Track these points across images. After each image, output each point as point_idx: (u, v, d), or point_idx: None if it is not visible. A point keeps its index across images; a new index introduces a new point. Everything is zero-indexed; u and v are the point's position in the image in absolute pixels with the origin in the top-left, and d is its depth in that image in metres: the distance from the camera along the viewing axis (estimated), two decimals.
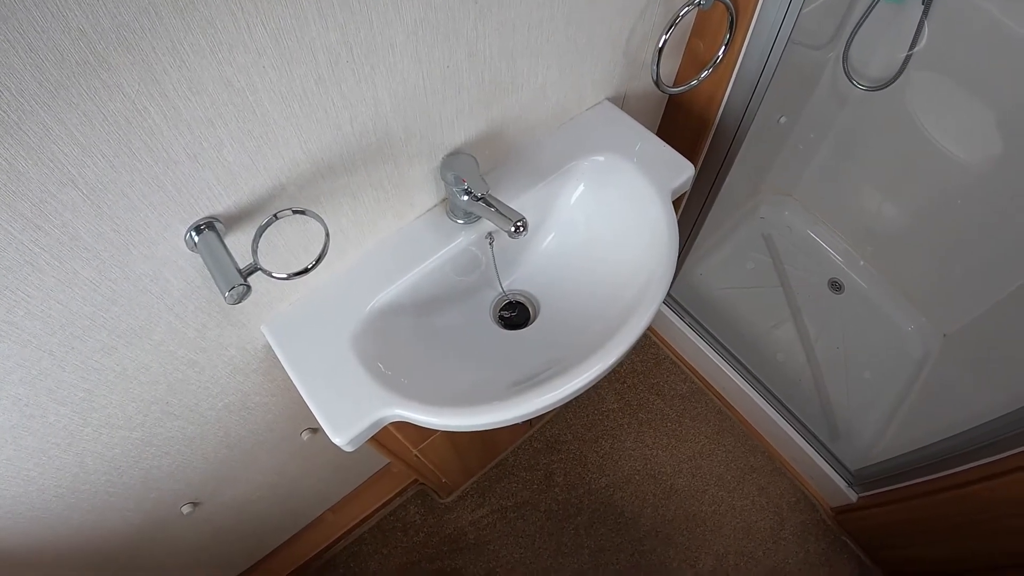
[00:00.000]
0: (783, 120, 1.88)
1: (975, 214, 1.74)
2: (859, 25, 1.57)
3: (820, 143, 2.03)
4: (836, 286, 2.14)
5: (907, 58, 1.63)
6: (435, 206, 1.02)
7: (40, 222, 0.58)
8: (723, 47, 1.14)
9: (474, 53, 0.83)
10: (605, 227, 1.09)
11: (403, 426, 0.94)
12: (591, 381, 0.86)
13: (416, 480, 1.89)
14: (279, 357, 0.88)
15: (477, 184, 0.88)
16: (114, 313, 0.72)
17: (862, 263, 2.14)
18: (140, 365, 0.81)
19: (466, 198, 0.90)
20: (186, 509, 1.17)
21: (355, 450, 0.86)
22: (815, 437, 1.79)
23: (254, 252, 0.70)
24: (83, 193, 0.59)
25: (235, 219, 0.73)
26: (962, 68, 1.58)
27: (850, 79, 1.72)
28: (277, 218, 0.72)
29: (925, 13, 1.53)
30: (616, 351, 0.87)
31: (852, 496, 1.72)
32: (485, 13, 0.80)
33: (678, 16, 1.03)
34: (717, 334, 1.93)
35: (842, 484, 1.74)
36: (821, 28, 1.67)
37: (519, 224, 0.85)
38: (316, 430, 1.25)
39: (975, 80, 1.58)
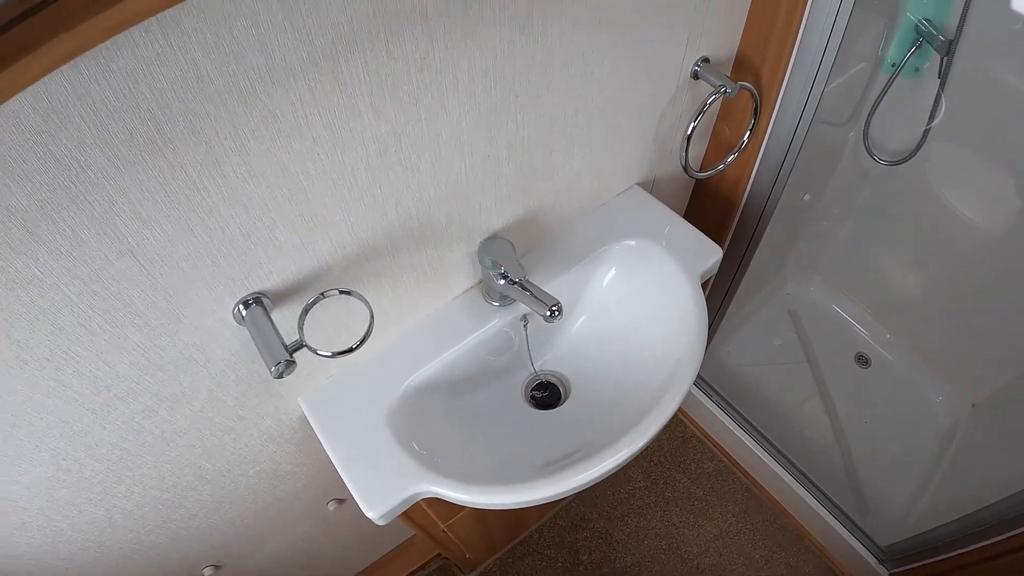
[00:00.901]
0: (807, 197, 1.87)
1: (999, 281, 1.69)
2: (878, 101, 1.56)
3: (843, 218, 2.00)
4: (863, 360, 2.08)
5: (926, 131, 1.61)
6: (471, 288, 1.02)
7: (96, 287, 0.59)
8: (748, 132, 1.15)
9: (513, 143, 0.85)
10: (636, 310, 1.08)
11: (432, 501, 0.91)
12: (623, 462, 0.84)
13: (439, 554, 1.83)
14: (315, 430, 0.87)
15: (514, 269, 0.88)
16: (158, 378, 0.72)
17: (888, 336, 2.08)
18: (178, 429, 0.80)
19: (502, 282, 0.90)
20: (208, 572, 1.14)
21: None
22: (844, 513, 1.70)
23: (300, 329, 0.70)
24: (140, 263, 0.60)
25: (281, 295, 0.73)
26: (980, 137, 1.56)
27: (871, 155, 1.70)
28: (324, 297, 0.72)
29: (942, 86, 1.52)
30: (647, 433, 0.85)
31: (883, 573, 1.63)
32: (525, 106, 0.81)
33: (705, 104, 1.04)
34: (744, 411, 1.88)
35: (872, 561, 1.65)
36: (841, 106, 1.67)
37: (554, 309, 0.84)
38: (343, 500, 1.22)
39: (994, 148, 1.55)
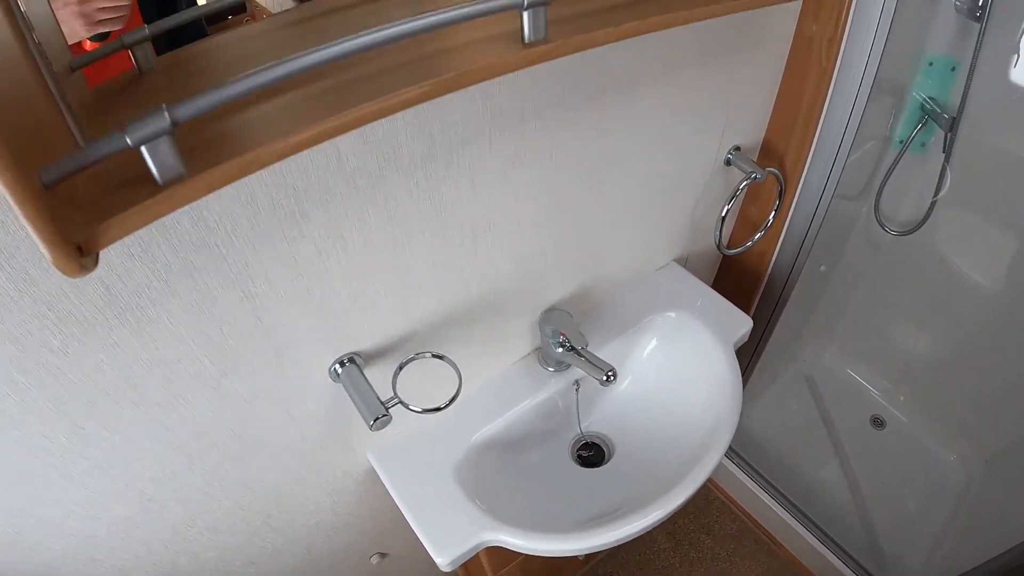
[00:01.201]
0: (823, 268, 1.94)
1: (1007, 340, 1.73)
2: (887, 176, 1.63)
3: (857, 286, 2.06)
4: (878, 422, 2.10)
5: (933, 202, 1.67)
6: (528, 354, 1.07)
7: (218, 340, 0.64)
8: (773, 211, 1.23)
9: (579, 226, 0.92)
10: (675, 376, 1.13)
11: (490, 550, 0.94)
12: (663, 517, 0.88)
13: None
14: (385, 482, 0.91)
15: (576, 338, 0.94)
16: (252, 427, 0.76)
17: (902, 398, 2.10)
18: (258, 477, 0.84)
19: (561, 350, 0.95)
20: None
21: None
22: (864, 569, 1.70)
23: (394, 386, 0.75)
24: (259, 321, 0.65)
25: (372, 355, 0.79)
26: (986, 203, 1.62)
27: (882, 226, 1.76)
28: (417, 358, 0.78)
29: (947, 159, 1.58)
30: (688, 490, 0.90)
31: None
32: (591, 193, 0.89)
33: (738, 189, 1.12)
34: (765, 473, 1.89)
35: None
36: (854, 181, 1.74)
37: (610, 374, 0.89)
38: (385, 555, 1.24)
39: (999, 212, 1.61)
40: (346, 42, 0.41)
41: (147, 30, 0.47)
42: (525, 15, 0.50)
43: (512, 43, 0.52)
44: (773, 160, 1.22)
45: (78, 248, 0.35)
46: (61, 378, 0.56)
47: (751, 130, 1.15)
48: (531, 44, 0.52)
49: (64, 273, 0.35)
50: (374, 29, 0.42)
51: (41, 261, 0.47)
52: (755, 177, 1.13)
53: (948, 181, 1.64)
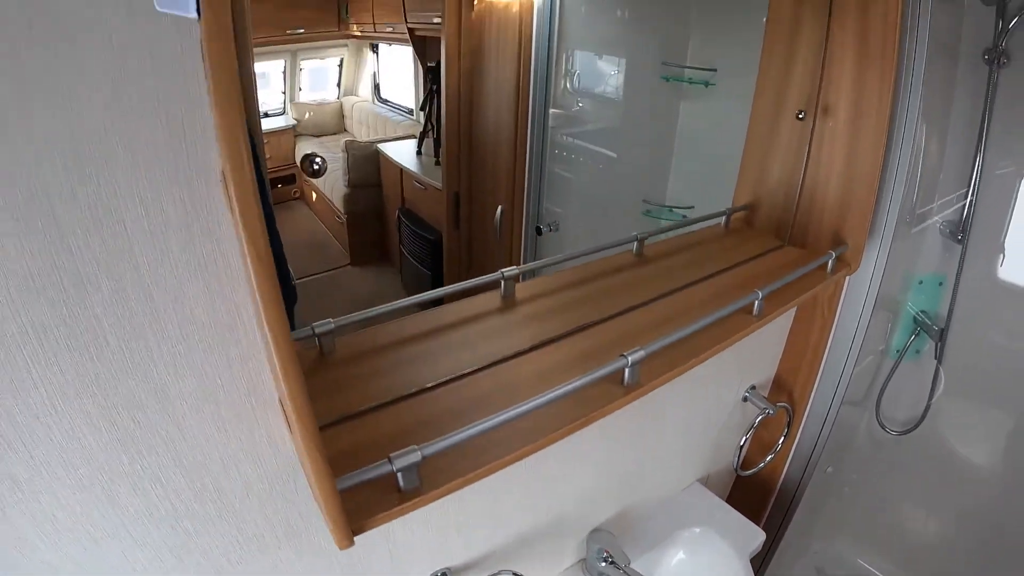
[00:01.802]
0: (829, 470, 2.07)
1: (1008, 518, 1.82)
2: (886, 383, 1.81)
3: (863, 482, 2.17)
4: None
5: (929, 403, 1.83)
6: (573, 564, 1.24)
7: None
8: (782, 438, 1.45)
9: (629, 465, 1.15)
10: None
11: None
12: None
13: None
14: None
15: (620, 557, 1.11)
16: None
17: None
18: None
19: (604, 564, 1.12)
20: None
21: None
22: None
23: None
24: (389, 551, 0.84)
25: (459, 569, 0.97)
26: (980, 391, 1.77)
27: (883, 428, 1.91)
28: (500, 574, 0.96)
29: (940, 361, 1.77)
30: None
31: None
32: (642, 441, 1.13)
33: (754, 423, 1.35)
34: None
35: None
36: (856, 390, 1.88)
37: None
38: None
39: (993, 398, 1.76)
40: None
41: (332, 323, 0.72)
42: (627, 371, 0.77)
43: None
44: (783, 392, 1.45)
45: (351, 531, 0.55)
46: None
47: (764, 371, 1.41)
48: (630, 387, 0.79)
49: (339, 547, 0.55)
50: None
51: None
52: (768, 412, 1.36)
53: (942, 383, 1.83)
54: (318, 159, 1.68)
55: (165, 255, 0.54)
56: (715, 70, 1.44)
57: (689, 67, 1.47)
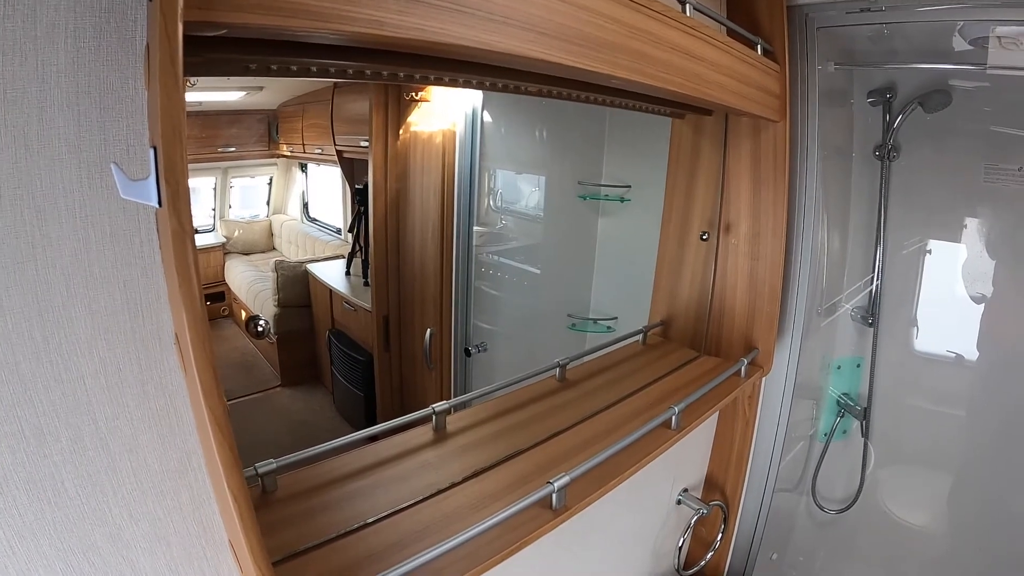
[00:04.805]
0: (774, 556, 2.09)
1: (962, 572, 1.82)
2: (819, 466, 1.85)
3: (810, 563, 2.15)
4: None
5: (863, 476, 1.87)
6: None
7: None
8: (720, 533, 1.47)
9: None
10: None
11: None
12: None
13: None
14: None
15: None
16: None
17: None
18: None
19: None
20: None
21: None
22: None
23: None
24: None
25: None
26: (911, 459, 1.81)
27: (822, 508, 1.93)
28: None
29: (867, 437, 1.82)
30: None
31: None
32: (587, 551, 1.12)
33: (689, 525, 1.37)
34: None
35: None
36: (790, 476, 1.92)
37: None
38: None
39: (926, 462, 1.80)
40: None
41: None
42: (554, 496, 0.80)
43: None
44: (716, 490, 1.49)
45: None
46: None
47: (696, 472, 1.44)
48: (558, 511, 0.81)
49: None
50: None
51: None
52: (703, 512, 1.39)
53: (872, 457, 1.88)
54: (262, 322, 1.70)
55: (121, 409, 0.56)
56: (629, 186, 1.53)
57: (604, 185, 1.55)
